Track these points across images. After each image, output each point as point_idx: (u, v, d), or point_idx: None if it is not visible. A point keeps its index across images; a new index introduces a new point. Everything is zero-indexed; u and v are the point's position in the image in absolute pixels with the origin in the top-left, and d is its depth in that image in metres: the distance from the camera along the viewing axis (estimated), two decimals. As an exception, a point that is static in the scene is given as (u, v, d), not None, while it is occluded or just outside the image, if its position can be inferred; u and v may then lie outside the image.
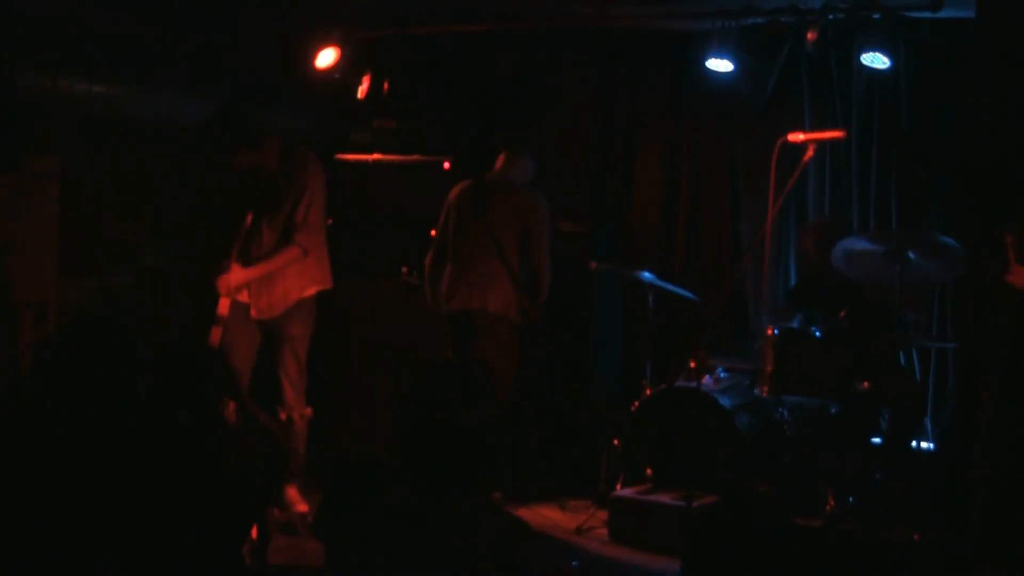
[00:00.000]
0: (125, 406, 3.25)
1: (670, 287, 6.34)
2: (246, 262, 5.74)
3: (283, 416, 5.86)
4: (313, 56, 6.89)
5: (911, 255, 5.50)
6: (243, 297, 5.79)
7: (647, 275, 6.28)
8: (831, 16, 6.26)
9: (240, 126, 5.67)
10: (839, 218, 6.63)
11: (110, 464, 3.09)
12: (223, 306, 5.64)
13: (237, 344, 5.73)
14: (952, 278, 6.04)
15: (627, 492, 5.91)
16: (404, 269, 6.81)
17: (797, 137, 5.90)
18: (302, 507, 5.84)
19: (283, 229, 5.76)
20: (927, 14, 6.10)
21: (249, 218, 5.75)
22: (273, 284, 5.81)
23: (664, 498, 5.76)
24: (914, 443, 6.02)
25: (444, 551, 2.69)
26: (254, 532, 4.07)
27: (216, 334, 5.56)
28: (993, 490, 5.34)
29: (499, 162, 6.45)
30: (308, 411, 5.95)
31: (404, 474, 2.82)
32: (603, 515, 5.96)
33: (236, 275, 5.70)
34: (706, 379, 6.01)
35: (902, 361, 6.30)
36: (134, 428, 3.21)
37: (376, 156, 7.15)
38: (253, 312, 5.82)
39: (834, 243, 5.81)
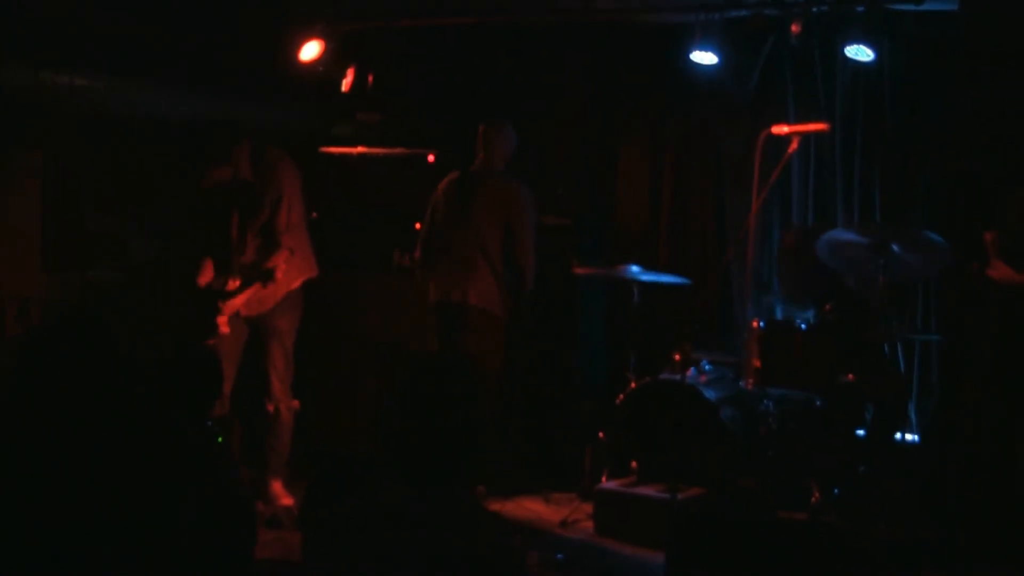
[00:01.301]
0: (109, 399, 3.23)
1: (659, 277, 6.30)
2: (238, 274, 5.77)
3: (270, 408, 5.87)
4: (297, 50, 6.88)
5: (895, 248, 5.50)
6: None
7: (634, 269, 6.25)
8: (815, 9, 6.26)
9: (207, 148, 5.73)
10: (823, 222, 6.61)
11: (98, 462, 3.07)
12: (223, 324, 5.67)
13: (224, 339, 5.73)
14: (936, 272, 6.05)
15: (612, 485, 5.92)
16: (396, 251, 6.79)
17: (781, 129, 5.91)
18: (287, 501, 5.84)
19: (267, 236, 5.79)
20: (911, 7, 6.10)
21: (234, 230, 5.81)
22: None
23: (649, 491, 5.77)
24: (899, 435, 6.03)
25: (425, 546, 2.68)
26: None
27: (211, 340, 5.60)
28: (975, 482, 5.37)
29: (479, 139, 6.41)
30: (295, 404, 5.97)
31: (389, 468, 2.82)
32: (588, 508, 5.97)
33: (240, 298, 5.74)
34: (691, 372, 6.01)
35: (886, 354, 6.31)
36: (123, 425, 3.19)
37: (360, 149, 7.14)
38: (243, 309, 5.82)
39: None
